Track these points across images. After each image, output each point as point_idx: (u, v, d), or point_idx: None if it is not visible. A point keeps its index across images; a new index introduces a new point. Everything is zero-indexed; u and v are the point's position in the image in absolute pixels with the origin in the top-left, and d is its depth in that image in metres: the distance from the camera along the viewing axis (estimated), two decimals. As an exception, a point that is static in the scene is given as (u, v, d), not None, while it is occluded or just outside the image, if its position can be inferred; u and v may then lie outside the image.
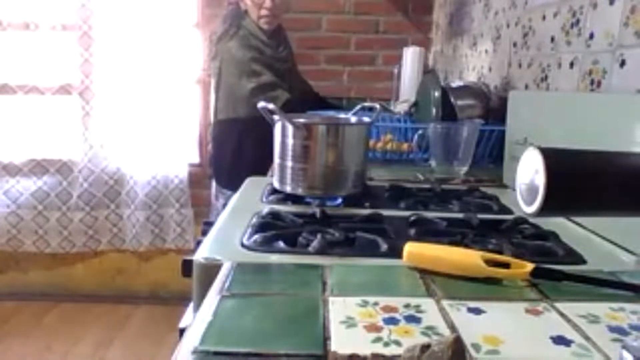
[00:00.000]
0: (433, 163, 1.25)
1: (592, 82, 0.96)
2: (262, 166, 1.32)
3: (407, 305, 0.52)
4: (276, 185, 0.97)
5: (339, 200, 0.95)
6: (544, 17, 1.21)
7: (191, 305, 0.72)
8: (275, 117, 0.94)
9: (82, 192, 2.67)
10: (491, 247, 0.68)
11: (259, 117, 0.98)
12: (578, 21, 1.03)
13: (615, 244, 0.73)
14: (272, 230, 0.73)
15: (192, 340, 0.44)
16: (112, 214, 2.72)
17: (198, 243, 0.72)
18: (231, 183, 1.11)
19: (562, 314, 0.51)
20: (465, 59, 1.97)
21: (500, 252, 0.64)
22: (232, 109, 1.92)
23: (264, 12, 1.87)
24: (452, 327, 0.48)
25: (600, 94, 0.92)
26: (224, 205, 1.16)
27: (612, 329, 0.48)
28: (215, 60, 1.93)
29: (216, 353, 0.42)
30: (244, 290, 0.55)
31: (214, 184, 2.10)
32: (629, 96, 0.81)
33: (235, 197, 0.99)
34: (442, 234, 0.75)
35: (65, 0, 2.56)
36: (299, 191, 0.94)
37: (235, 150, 1.93)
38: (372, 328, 0.47)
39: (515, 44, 1.42)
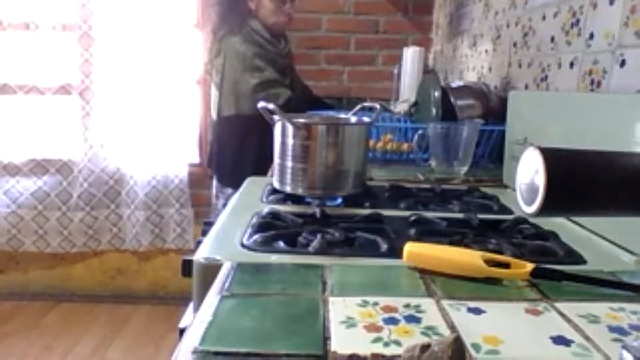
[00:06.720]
0: (433, 163, 1.25)
1: (592, 82, 0.96)
2: (265, 163, 1.32)
3: (407, 305, 0.52)
4: (276, 185, 0.97)
5: (339, 200, 0.95)
6: (544, 17, 1.21)
7: (191, 305, 0.72)
8: (275, 117, 0.94)
9: (82, 192, 2.67)
10: (491, 247, 0.68)
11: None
12: (578, 21, 1.03)
13: (615, 244, 0.73)
14: (272, 230, 0.73)
15: (192, 340, 0.44)
16: (112, 214, 2.73)
17: (198, 243, 0.72)
18: (234, 180, 1.12)
19: (562, 314, 0.51)
20: (465, 59, 1.97)
21: (500, 252, 0.64)
22: (235, 104, 1.92)
23: (283, 18, 1.91)
24: (452, 327, 0.48)
25: (600, 94, 0.92)
26: (224, 205, 1.16)
27: (612, 329, 0.48)
28: (218, 57, 1.94)
29: (216, 353, 0.42)
30: (244, 290, 0.55)
31: (214, 183, 2.10)
32: (629, 96, 0.80)
33: (235, 197, 0.99)
34: (442, 234, 0.75)
35: (65, 0, 2.56)
36: (299, 191, 0.94)
37: (239, 146, 1.94)
38: (372, 328, 0.47)
39: (515, 44, 1.42)
